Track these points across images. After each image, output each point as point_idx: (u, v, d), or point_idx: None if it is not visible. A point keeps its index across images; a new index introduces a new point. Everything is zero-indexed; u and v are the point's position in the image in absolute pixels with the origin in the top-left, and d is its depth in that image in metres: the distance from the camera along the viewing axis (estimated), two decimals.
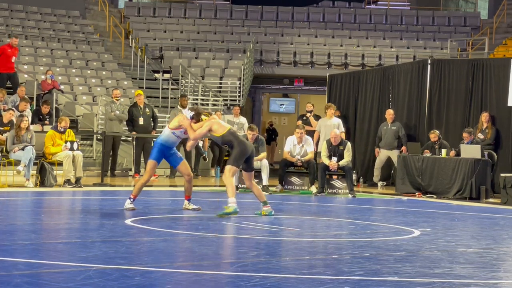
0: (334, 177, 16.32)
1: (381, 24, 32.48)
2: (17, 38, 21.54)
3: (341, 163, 16.00)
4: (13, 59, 20.89)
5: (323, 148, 16.41)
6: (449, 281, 6.20)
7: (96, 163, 19.84)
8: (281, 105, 33.68)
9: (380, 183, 18.53)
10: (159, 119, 20.57)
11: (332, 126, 17.84)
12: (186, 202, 11.44)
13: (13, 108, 17.80)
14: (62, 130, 15.79)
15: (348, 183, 15.95)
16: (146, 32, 30.39)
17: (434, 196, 16.05)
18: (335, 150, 16.15)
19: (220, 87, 26.68)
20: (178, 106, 20.16)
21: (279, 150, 28.86)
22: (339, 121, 18.39)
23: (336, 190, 16.24)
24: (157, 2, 34.58)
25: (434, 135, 16.89)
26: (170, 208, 12.34)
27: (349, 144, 16.40)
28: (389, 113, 18.47)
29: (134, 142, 19.47)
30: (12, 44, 21.01)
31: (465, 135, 16.34)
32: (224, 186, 16.62)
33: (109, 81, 24.80)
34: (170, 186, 17.46)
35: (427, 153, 16.73)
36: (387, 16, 33.02)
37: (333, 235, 9.47)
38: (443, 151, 16.41)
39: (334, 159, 16.04)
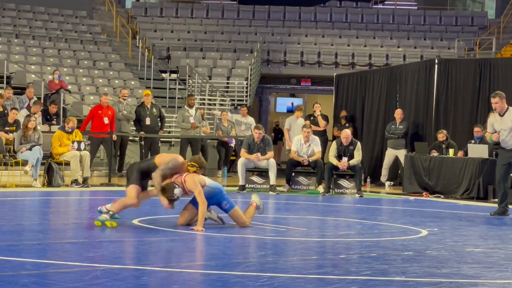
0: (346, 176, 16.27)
1: (388, 24, 32.45)
2: (107, 95, 18.82)
3: (352, 162, 15.97)
4: (106, 120, 18.32)
5: (331, 148, 16.38)
6: (456, 281, 6.19)
7: (104, 163, 19.86)
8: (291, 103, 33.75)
9: (387, 183, 18.52)
10: (166, 119, 20.59)
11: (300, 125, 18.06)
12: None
13: (17, 108, 17.85)
14: (70, 130, 15.82)
15: (357, 183, 15.92)
16: (153, 32, 30.42)
17: (442, 196, 16.03)
18: (346, 150, 16.10)
19: (227, 87, 26.69)
20: (185, 106, 20.18)
21: (285, 150, 28.86)
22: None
23: (343, 190, 16.22)
24: (164, 2, 34.60)
25: (442, 135, 16.87)
26: (177, 208, 12.33)
27: (359, 144, 16.37)
28: (398, 113, 18.47)
29: (141, 142, 19.48)
30: (103, 103, 18.50)
31: (476, 129, 16.32)
32: (231, 186, 16.64)
33: (116, 81, 24.84)
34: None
35: (434, 153, 16.72)
36: (394, 15, 32.98)
37: (341, 235, 9.46)
38: (450, 151, 16.39)
39: (345, 159, 16.00)
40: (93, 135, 18.33)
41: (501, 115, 12.02)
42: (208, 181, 9.40)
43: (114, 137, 18.40)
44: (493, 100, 12.01)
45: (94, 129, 18.40)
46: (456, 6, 36.49)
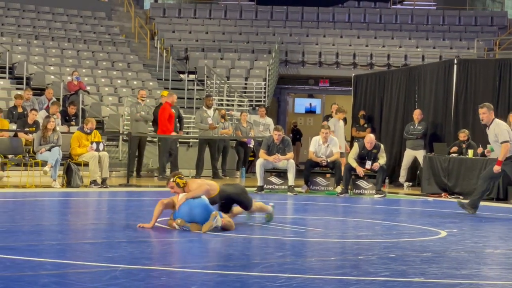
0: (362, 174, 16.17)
1: (406, 24, 32.35)
2: (175, 95, 19.21)
3: (379, 162, 15.88)
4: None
5: (353, 150, 16.29)
6: (476, 282, 6.16)
7: (122, 164, 19.91)
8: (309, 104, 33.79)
9: (406, 184, 18.45)
10: (184, 120, 20.62)
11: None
12: None
13: (36, 109, 17.93)
14: (89, 131, 15.86)
15: (378, 183, 15.85)
16: (171, 33, 30.48)
17: (461, 197, 15.94)
18: (369, 154, 16.00)
19: (245, 88, 26.69)
20: (203, 107, 20.20)
21: (304, 151, 28.83)
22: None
23: (362, 191, 16.17)
24: (182, 3, 34.65)
25: (463, 135, 16.79)
26: None
27: (382, 147, 16.25)
28: (417, 113, 18.39)
29: (159, 143, 19.50)
30: (173, 102, 18.95)
31: None
32: (249, 186, 16.66)
33: (135, 82, 24.90)
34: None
35: (455, 150, 16.62)
36: (413, 16, 32.87)
37: (359, 235, 9.44)
38: (470, 152, 16.31)
39: (368, 163, 15.91)
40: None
41: (488, 126, 12.31)
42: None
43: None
44: (480, 111, 12.35)
45: (166, 129, 18.64)
46: (476, 6, 36.31)
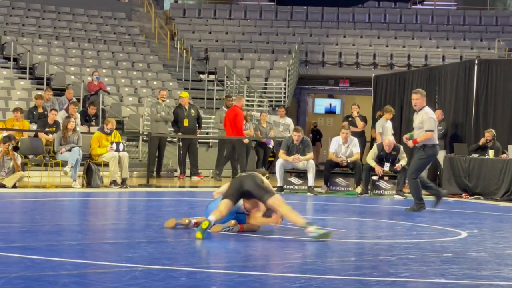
0: (385, 178, 16.12)
1: (427, 24, 32.25)
2: (243, 99, 19.73)
3: (401, 163, 15.85)
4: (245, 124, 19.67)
5: (372, 151, 16.24)
6: (496, 283, 6.13)
7: (142, 164, 19.96)
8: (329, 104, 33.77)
9: None
10: (203, 120, 20.64)
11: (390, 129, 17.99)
12: None
13: (56, 109, 18.00)
14: (109, 131, 15.91)
15: (400, 184, 15.78)
16: (191, 33, 30.53)
17: (481, 198, 15.87)
18: (387, 156, 15.94)
19: (265, 88, 26.70)
20: (223, 107, 20.22)
21: (324, 151, 28.78)
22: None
23: (382, 191, 16.13)
24: (202, 3, 34.72)
25: (489, 134, 16.70)
26: None
27: (402, 148, 16.20)
28: (437, 114, 18.27)
29: (179, 143, 19.54)
30: (241, 105, 19.57)
31: None
32: None
33: (155, 82, 24.96)
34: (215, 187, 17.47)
35: (484, 141, 16.55)
36: (433, 16, 32.77)
37: (379, 236, 9.41)
38: (490, 152, 16.22)
39: (387, 165, 15.86)
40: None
41: (417, 111, 12.47)
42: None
43: (246, 140, 19.23)
44: (414, 97, 12.45)
45: (239, 131, 19.18)
46: (496, 5, 36.13)
